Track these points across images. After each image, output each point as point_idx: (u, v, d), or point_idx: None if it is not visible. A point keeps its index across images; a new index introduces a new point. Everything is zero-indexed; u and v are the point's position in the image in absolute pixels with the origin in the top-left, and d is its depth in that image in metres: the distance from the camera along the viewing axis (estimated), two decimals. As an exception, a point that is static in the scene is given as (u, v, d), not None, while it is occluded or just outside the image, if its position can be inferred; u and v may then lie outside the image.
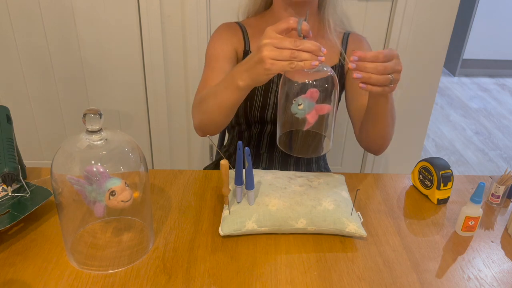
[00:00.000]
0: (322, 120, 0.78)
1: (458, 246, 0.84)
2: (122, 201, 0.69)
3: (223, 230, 0.81)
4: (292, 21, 0.73)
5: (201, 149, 2.23)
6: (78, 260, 0.75)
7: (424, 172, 0.96)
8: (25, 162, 0.97)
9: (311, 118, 0.76)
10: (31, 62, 1.98)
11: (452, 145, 2.91)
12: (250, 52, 1.10)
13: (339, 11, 1.11)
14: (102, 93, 2.07)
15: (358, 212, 0.86)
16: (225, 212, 0.84)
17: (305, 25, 0.72)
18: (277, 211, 0.83)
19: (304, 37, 0.73)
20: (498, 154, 2.84)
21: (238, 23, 1.14)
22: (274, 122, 1.13)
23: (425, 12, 1.90)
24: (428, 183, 0.95)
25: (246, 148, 0.78)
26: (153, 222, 0.85)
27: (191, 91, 2.07)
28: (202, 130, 1.01)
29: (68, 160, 0.72)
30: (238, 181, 0.83)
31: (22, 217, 0.80)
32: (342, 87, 1.16)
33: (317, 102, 0.76)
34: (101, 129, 0.70)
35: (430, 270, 0.77)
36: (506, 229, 0.89)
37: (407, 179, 1.04)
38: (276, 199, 0.85)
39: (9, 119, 0.93)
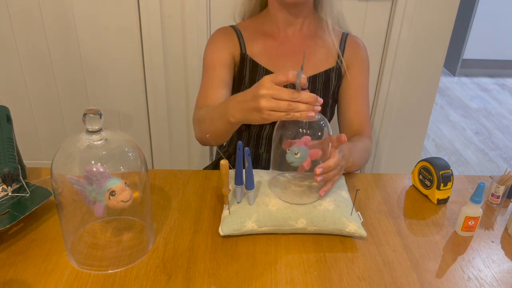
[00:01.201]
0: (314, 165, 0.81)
1: (458, 246, 0.84)
2: (122, 201, 0.69)
3: (223, 230, 0.81)
4: (291, 75, 0.73)
5: (201, 149, 2.23)
6: (78, 260, 0.75)
7: (424, 172, 0.96)
8: (25, 162, 0.97)
9: (307, 166, 0.78)
10: (31, 62, 1.98)
11: (452, 145, 2.91)
12: (247, 55, 1.10)
13: (336, 10, 1.11)
14: (102, 93, 2.07)
15: (358, 212, 0.86)
16: (225, 212, 0.84)
17: (303, 79, 0.73)
18: (277, 211, 0.83)
19: (302, 89, 0.74)
20: (498, 154, 2.84)
21: (233, 27, 1.13)
22: (273, 124, 1.13)
23: (425, 12, 1.90)
24: (428, 183, 0.96)
25: (246, 148, 0.78)
26: (153, 222, 0.85)
27: (191, 91, 2.07)
28: (203, 144, 1.06)
29: (68, 160, 0.72)
30: (238, 181, 0.83)
31: (22, 217, 0.80)
32: (338, 89, 1.16)
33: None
34: (101, 129, 0.70)
35: (430, 270, 0.77)
36: (506, 229, 0.89)
37: (407, 179, 1.04)
38: (276, 199, 0.85)
39: (9, 119, 0.93)
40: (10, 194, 0.85)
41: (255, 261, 0.77)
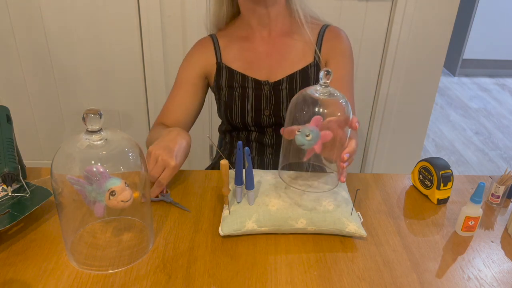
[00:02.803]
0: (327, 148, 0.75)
1: (458, 246, 0.84)
2: (122, 201, 0.69)
3: (223, 230, 0.81)
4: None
5: (201, 149, 2.23)
6: (78, 260, 0.75)
7: (424, 172, 0.96)
8: (25, 162, 0.97)
9: (318, 149, 0.72)
10: (31, 62, 1.98)
11: (452, 145, 2.91)
12: (223, 64, 1.11)
13: (305, 6, 1.09)
14: (102, 93, 2.07)
15: (358, 212, 0.86)
16: (225, 212, 0.84)
17: None
18: (277, 211, 0.83)
19: None
20: (498, 154, 2.84)
21: (211, 36, 1.15)
22: (257, 127, 1.13)
23: (425, 12, 1.90)
24: (428, 183, 0.95)
25: (246, 148, 0.78)
26: (153, 222, 0.85)
27: (191, 91, 2.07)
28: None
29: (68, 160, 0.72)
30: (238, 181, 0.83)
31: (22, 217, 0.80)
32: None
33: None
34: (101, 129, 0.70)
35: (430, 270, 0.77)
36: (506, 229, 0.89)
37: (407, 179, 1.04)
38: (276, 199, 0.85)
39: (9, 119, 0.93)
40: (10, 194, 0.85)
41: (255, 261, 0.77)
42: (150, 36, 1.92)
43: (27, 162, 0.99)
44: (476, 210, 0.83)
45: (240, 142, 0.79)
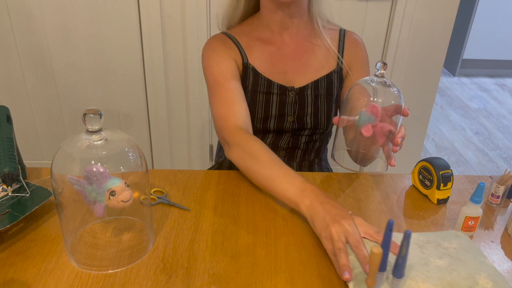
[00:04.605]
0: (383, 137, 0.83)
1: (458, 246, 0.84)
2: (122, 201, 0.69)
3: None
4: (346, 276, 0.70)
5: (201, 149, 2.23)
6: (78, 260, 0.75)
7: (424, 172, 0.96)
8: (25, 162, 0.97)
9: (366, 132, 0.79)
10: (31, 62, 1.98)
11: (452, 145, 2.91)
12: (250, 64, 1.06)
13: (325, 8, 1.08)
14: (102, 93, 2.07)
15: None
16: None
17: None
18: None
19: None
20: (498, 154, 2.84)
21: (225, 33, 1.09)
22: (276, 131, 1.11)
23: (425, 12, 1.90)
24: (428, 183, 0.95)
25: (408, 232, 0.63)
26: (153, 222, 0.85)
27: (191, 91, 2.07)
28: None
29: (68, 160, 0.72)
30: (382, 266, 0.67)
31: (22, 217, 0.80)
32: (341, 90, 1.14)
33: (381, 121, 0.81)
34: (101, 129, 0.70)
35: (430, 270, 0.77)
36: (506, 229, 0.89)
37: (407, 179, 1.04)
38: (425, 283, 0.69)
39: (9, 119, 0.93)
40: (10, 194, 0.85)
41: (255, 261, 0.77)
42: (150, 36, 1.92)
43: (27, 162, 0.99)
44: (476, 210, 0.83)
45: (391, 221, 0.65)
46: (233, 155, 0.97)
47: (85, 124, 0.69)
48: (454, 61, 4.10)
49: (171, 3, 1.87)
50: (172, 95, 2.07)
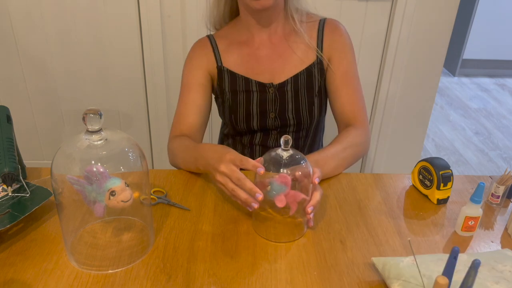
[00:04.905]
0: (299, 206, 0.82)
1: (458, 246, 0.83)
2: (122, 201, 0.69)
3: None
4: (252, 169, 0.78)
5: (201, 149, 2.23)
6: (78, 260, 0.75)
7: (424, 172, 0.96)
8: (25, 162, 0.97)
9: (279, 202, 0.79)
10: (31, 62, 1.98)
11: (452, 145, 2.91)
12: (224, 67, 1.10)
13: (303, 5, 1.09)
14: (102, 93, 2.07)
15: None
16: None
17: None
18: None
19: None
20: (498, 154, 2.84)
21: (209, 37, 1.13)
22: (262, 130, 1.13)
23: (425, 12, 1.90)
24: (428, 183, 0.96)
25: (477, 261, 0.58)
26: (153, 222, 0.85)
27: (191, 91, 2.06)
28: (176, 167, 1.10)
29: (68, 160, 0.72)
30: None
31: (22, 217, 0.80)
32: (325, 82, 1.13)
33: (292, 189, 0.80)
34: (101, 129, 0.70)
35: (430, 270, 0.77)
36: (506, 229, 0.89)
37: (407, 179, 1.04)
38: None
39: (9, 119, 0.93)
40: (10, 194, 0.85)
41: (255, 261, 0.77)
42: (150, 36, 1.92)
43: (27, 162, 0.99)
44: (476, 210, 0.83)
45: (456, 248, 0.61)
46: (168, 156, 1.14)
47: (85, 124, 0.69)
48: (454, 61, 4.10)
49: (171, 3, 1.87)
50: (172, 95, 2.07)
